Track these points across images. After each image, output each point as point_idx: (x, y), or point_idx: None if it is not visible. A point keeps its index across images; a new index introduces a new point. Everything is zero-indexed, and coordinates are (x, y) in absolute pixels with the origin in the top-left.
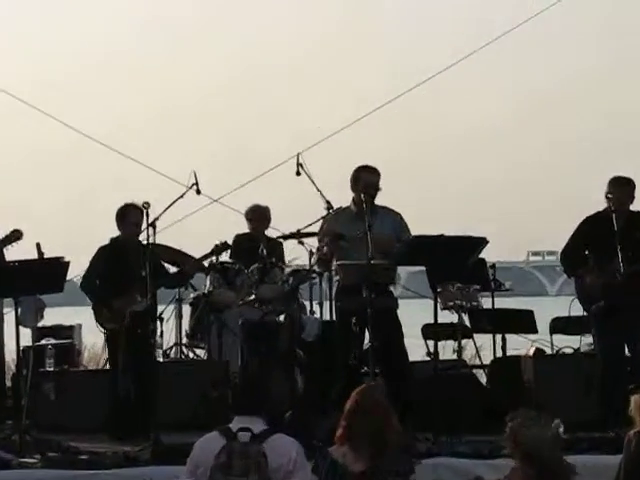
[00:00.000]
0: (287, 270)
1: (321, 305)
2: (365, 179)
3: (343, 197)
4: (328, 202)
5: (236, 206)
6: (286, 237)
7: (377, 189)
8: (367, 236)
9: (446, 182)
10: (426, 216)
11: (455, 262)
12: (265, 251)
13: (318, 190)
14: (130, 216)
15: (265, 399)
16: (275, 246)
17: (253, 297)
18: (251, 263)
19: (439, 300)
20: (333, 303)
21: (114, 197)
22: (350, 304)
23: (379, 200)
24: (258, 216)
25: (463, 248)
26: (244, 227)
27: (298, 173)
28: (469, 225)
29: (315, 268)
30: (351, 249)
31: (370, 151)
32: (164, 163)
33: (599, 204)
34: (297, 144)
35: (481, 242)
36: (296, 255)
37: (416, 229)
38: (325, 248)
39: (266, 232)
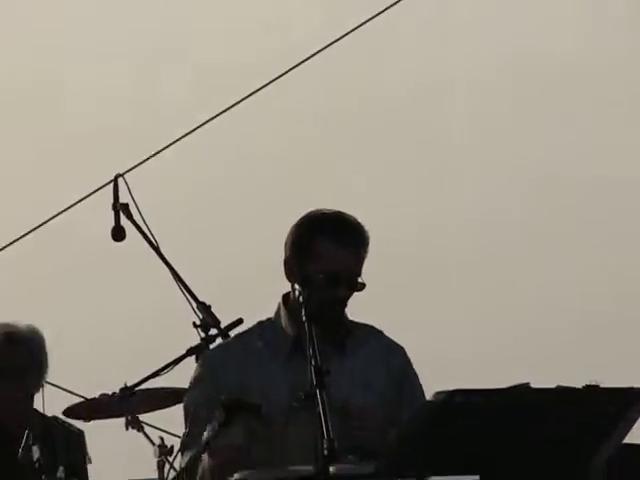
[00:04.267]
0: None
1: None
2: (327, 263)
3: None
4: (204, 307)
5: None
6: (93, 412)
7: (353, 289)
8: (320, 406)
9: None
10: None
11: (571, 461)
12: (37, 453)
13: (174, 274)
14: None
15: None
16: (65, 439)
17: None
18: None
19: None
20: None
21: None
22: None
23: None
24: (8, 359)
25: (593, 419)
26: None
27: (117, 234)
28: None
29: None
30: (280, 439)
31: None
32: None
33: None
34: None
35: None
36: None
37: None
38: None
39: (35, 399)
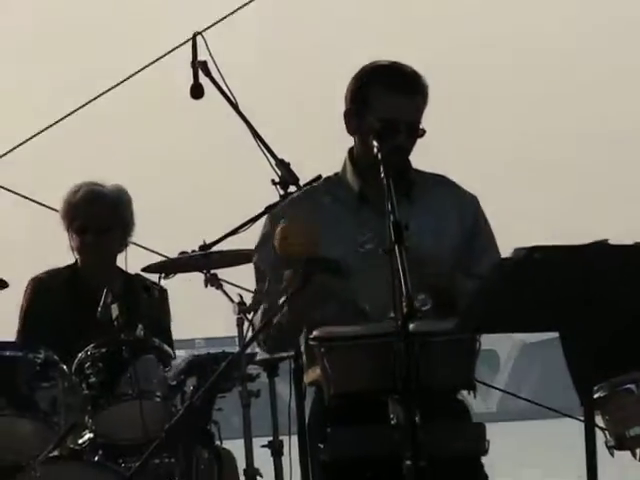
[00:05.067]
0: (180, 358)
1: (277, 451)
2: (385, 108)
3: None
4: (284, 164)
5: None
6: (172, 268)
7: (414, 135)
8: (397, 256)
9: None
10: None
11: None
12: (116, 309)
13: (255, 134)
14: None
15: None
16: (146, 294)
17: (87, 437)
18: (79, 344)
19: (603, 423)
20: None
21: None
22: (356, 447)
23: (420, 159)
24: (93, 214)
25: None
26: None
27: (197, 90)
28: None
29: (255, 350)
30: (353, 294)
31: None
32: None
33: None
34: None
35: None
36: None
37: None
38: (285, 295)
39: (119, 256)
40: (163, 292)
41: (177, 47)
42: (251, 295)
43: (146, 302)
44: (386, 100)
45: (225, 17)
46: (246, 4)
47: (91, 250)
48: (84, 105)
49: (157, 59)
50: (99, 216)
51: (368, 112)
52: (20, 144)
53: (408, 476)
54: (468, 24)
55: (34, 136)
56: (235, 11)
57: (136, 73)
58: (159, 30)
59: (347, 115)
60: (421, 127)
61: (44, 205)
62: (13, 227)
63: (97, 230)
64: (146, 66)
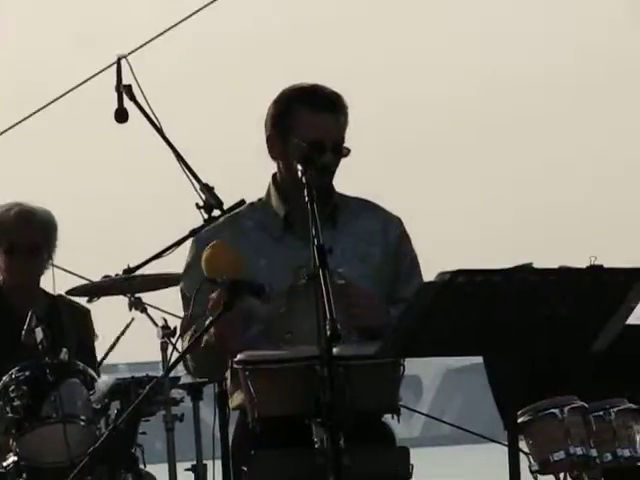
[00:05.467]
0: (103, 382)
1: (200, 477)
2: (307, 130)
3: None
4: (207, 188)
5: None
6: (96, 291)
7: (339, 155)
8: (321, 282)
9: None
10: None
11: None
12: (41, 333)
13: (178, 156)
14: None
15: None
16: (71, 316)
17: (11, 461)
18: (3, 367)
19: (526, 448)
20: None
21: None
22: (279, 473)
23: (346, 182)
24: (19, 235)
25: (587, 301)
26: None
27: (121, 115)
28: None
29: (179, 374)
30: (278, 319)
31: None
32: None
33: None
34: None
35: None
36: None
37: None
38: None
39: (43, 277)
40: (86, 312)
41: (102, 71)
42: (175, 319)
43: (70, 322)
44: (311, 120)
45: (149, 41)
46: (170, 28)
47: (19, 270)
48: (9, 128)
49: (82, 82)
50: (30, 236)
51: (292, 135)
52: None
53: None
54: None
55: None
56: (159, 35)
57: (62, 96)
58: (84, 53)
59: (270, 140)
60: (345, 146)
61: None
62: None
63: (27, 250)
64: (72, 89)
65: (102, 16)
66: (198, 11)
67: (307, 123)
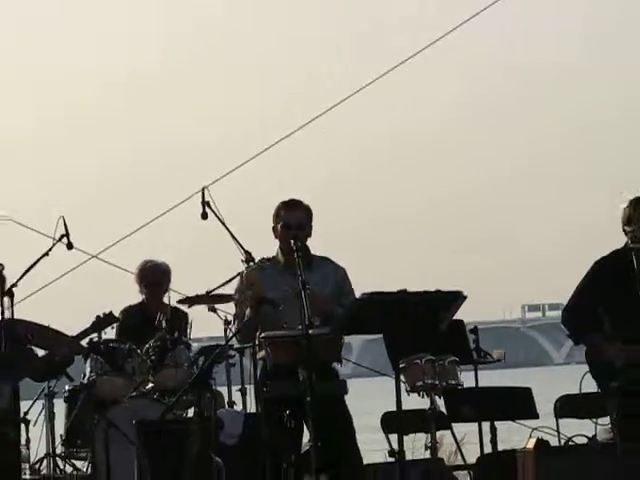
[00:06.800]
0: (195, 347)
1: (243, 393)
2: (284, 218)
3: (266, 244)
4: (247, 252)
5: (122, 263)
6: (192, 302)
7: (303, 230)
8: (302, 296)
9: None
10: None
11: (422, 327)
12: (164, 323)
13: (232, 236)
14: None
15: None
16: (177, 316)
17: (150, 386)
18: (145, 341)
19: (403, 379)
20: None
21: None
22: (282, 391)
23: (322, 247)
24: (153, 277)
25: (432, 307)
26: (134, 291)
27: (204, 215)
28: (440, 277)
29: (233, 343)
30: (281, 315)
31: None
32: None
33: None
34: (201, 176)
35: (456, 297)
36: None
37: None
38: (248, 311)
39: (165, 297)
40: (186, 314)
41: (188, 198)
42: (232, 317)
43: (177, 319)
44: (285, 213)
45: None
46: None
47: (152, 296)
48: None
49: (169, 209)
50: (158, 278)
51: (279, 221)
52: None
53: (307, 407)
54: None
55: None
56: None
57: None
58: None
59: (273, 229)
60: (308, 229)
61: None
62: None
63: (157, 285)
64: (162, 214)
65: None
66: None
67: (283, 215)
